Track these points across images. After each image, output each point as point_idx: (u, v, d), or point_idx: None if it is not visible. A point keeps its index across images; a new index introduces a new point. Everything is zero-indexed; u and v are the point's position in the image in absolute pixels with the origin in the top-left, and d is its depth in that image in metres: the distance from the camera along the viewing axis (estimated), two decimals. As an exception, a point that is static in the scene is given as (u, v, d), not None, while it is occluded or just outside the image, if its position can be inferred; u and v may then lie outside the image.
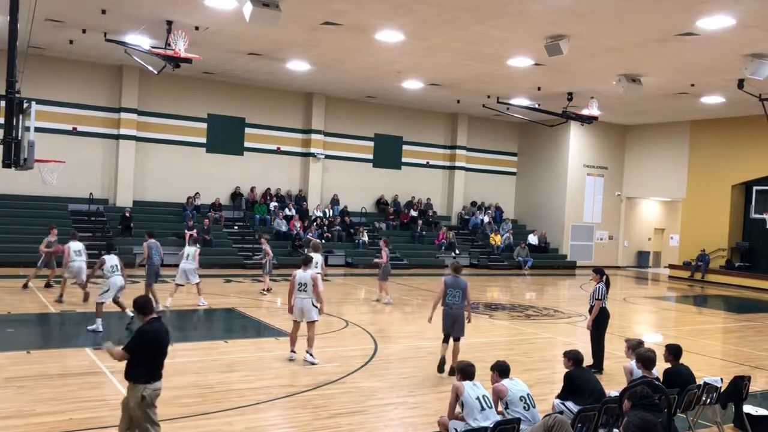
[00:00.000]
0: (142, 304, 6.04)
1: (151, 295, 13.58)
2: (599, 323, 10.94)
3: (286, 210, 26.94)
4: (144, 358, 5.77)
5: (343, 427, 7.61)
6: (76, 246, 15.47)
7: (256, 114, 27.07)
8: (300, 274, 10.49)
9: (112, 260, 12.47)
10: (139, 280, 16.24)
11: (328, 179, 28.76)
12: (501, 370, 6.90)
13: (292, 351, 10.64)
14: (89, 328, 11.82)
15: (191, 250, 15.19)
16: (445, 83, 24.14)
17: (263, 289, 17.86)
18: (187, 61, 16.45)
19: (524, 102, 26.12)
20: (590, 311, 11.00)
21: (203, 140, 26.19)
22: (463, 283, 10.42)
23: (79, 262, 15.29)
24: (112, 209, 24.07)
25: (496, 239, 30.03)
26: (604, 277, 11.08)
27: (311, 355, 10.46)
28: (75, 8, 16.65)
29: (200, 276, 15.41)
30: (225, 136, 26.55)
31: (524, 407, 6.55)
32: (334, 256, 26.31)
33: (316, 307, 10.53)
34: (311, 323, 10.47)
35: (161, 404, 8.00)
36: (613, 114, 28.98)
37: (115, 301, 12.42)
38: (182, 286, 15.01)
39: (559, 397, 7.35)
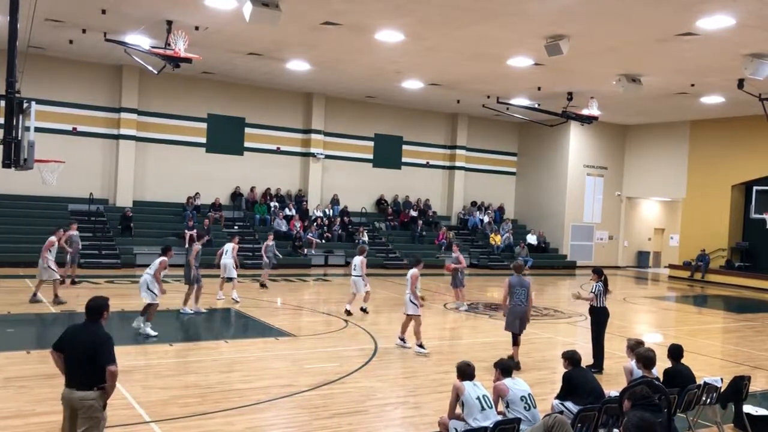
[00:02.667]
0: (87, 305, 5.74)
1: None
2: (598, 323, 10.97)
3: (286, 210, 26.95)
4: (64, 357, 5.59)
5: (343, 427, 7.61)
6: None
7: (256, 114, 27.07)
8: (409, 272, 12.04)
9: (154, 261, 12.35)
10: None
11: (328, 179, 28.76)
12: (504, 368, 6.90)
13: (400, 338, 11.84)
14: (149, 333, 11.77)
15: (229, 246, 16.42)
16: (445, 83, 24.14)
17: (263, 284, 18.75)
18: (187, 61, 16.44)
19: (524, 102, 26.11)
20: (590, 310, 11.13)
21: (203, 140, 26.19)
22: (527, 282, 10.96)
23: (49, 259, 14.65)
24: (112, 209, 24.07)
25: (496, 239, 30.03)
26: (603, 277, 11.17)
27: (420, 346, 11.40)
28: (75, 8, 16.65)
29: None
30: (225, 136, 26.55)
31: (525, 407, 6.55)
32: (333, 256, 26.32)
33: (414, 303, 11.55)
34: (412, 317, 11.59)
35: (161, 404, 8.04)
36: (613, 114, 28.98)
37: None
38: (231, 280, 16.24)
39: (558, 397, 7.36)
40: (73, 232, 17.31)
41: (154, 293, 11.78)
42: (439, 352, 11.93)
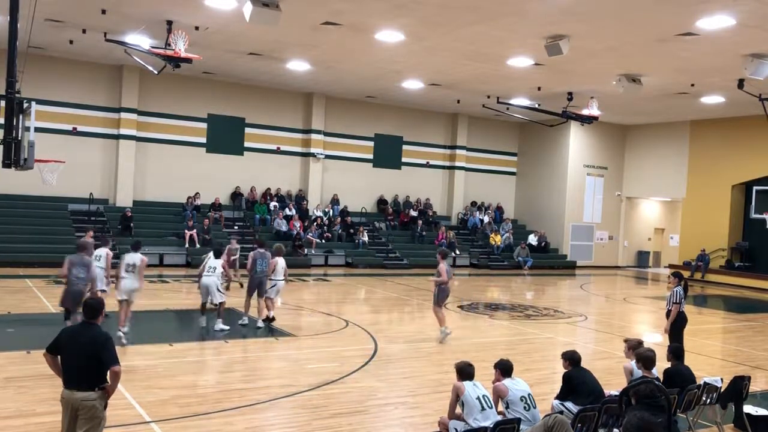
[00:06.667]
0: (84, 305, 5.77)
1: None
2: (677, 327, 10.70)
3: (286, 210, 26.94)
4: (61, 359, 5.54)
5: (343, 427, 7.61)
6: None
7: (256, 114, 27.07)
8: None
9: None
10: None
11: (328, 179, 28.76)
12: (504, 368, 6.89)
13: None
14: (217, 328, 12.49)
15: (283, 263, 13.52)
16: (445, 83, 24.14)
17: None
18: (187, 61, 16.45)
19: (524, 102, 26.12)
20: (667, 315, 10.79)
21: (203, 140, 26.19)
22: None
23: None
24: (112, 209, 24.06)
25: (496, 239, 30.03)
26: (683, 282, 10.86)
27: None
28: (75, 8, 16.65)
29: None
30: (225, 136, 26.54)
31: (525, 407, 6.55)
32: (334, 256, 26.31)
33: None
34: None
35: (161, 404, 8.04)
36: (613, 114, 28.98)
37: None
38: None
39: (558, 397, 7.35)
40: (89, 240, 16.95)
41: (223, 292, 12.81)
42: (439, 352, 11.92)
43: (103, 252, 13.38)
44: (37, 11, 14.34)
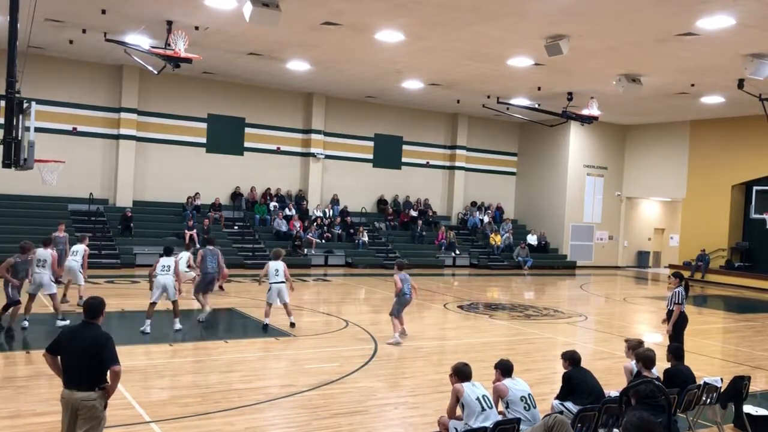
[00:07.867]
0: (84, 304, 5.74)
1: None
2: (678, 327, 10.68)
3: (286, 210, 26.94)
4: (61, 359, 5.52)
5: (343, 427, 7.61)
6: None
7: (256, 114, 27.07)
8: None
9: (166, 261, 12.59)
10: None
11: (328, 179, 28.76)
12: (504, 368, 6.89)
13: None
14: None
15: (280, 266, 13.07)
16: (445, 83, 24.14)
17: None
18: (187, 61, 16.45)
19: (524, 102, 26.12)
20: (668, 315, 10.76)
21: (203, 140, 26.19)
22: None
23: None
24: (112, 209, 24.07)
25: (496, 239, 30.03)
26: (684, 282, 10.83)
27: None
28: (75, 8, 16.65)
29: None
30: (225, 136, 26.55)
31: (525, 407, 6.54)
32: (334, 256, 26.32)
33: None
34: None
35: (161, 404, 8.04)
36: (613, 114, 28.98)
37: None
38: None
39: (558, 397, 7.35)
40: (60, 234, 16.73)
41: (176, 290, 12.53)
42: (439, 352, 11.93)
43: (80, 248, 14.32)
44: (37, 11, 14.33)
